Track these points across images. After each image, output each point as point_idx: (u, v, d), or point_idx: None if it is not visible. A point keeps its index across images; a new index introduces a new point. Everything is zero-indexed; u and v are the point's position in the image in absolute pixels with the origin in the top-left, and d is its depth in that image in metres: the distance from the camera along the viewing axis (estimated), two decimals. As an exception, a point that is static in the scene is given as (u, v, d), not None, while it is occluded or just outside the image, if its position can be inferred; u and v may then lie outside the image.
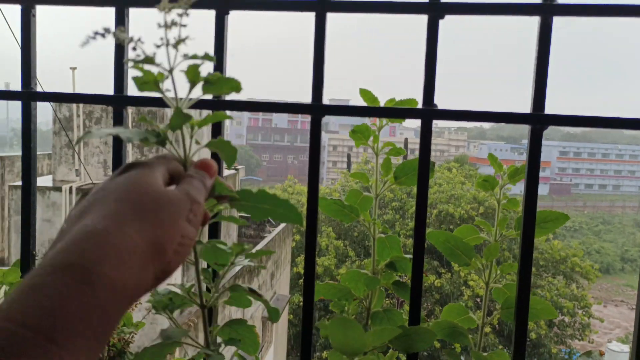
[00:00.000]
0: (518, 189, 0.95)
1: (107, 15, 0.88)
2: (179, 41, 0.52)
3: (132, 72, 0.54)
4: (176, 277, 5.38)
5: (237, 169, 8.52)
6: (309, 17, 0.86)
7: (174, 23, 0.52)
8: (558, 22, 0.85)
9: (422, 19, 0.85)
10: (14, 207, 6.06)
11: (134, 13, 0.88)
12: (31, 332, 0.33)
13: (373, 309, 0.94)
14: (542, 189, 56.64)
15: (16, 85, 0.91)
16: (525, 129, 0.86)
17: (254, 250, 0.73)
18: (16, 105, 0.95)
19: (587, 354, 1.02)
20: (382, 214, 13.90)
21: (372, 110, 0.88)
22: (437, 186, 14.57)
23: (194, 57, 0.54)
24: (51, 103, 5.83)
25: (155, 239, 0.44)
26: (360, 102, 1.00)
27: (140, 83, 0.54)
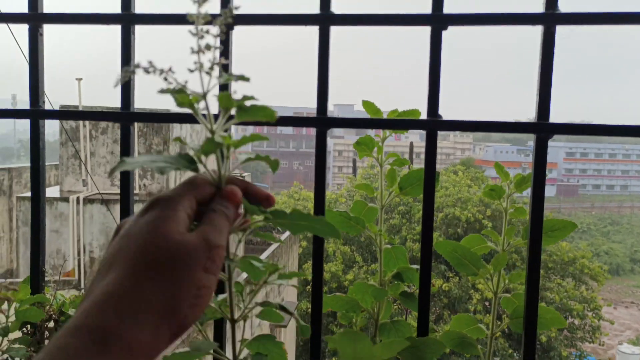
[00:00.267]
0: (526, 191, 0.95)
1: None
2: (213, 65, 0.53)
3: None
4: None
5: (243, 176, 8.54)
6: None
7: (208, 47, 0.52)
8: (562, 30, 0.85)
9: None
10: (22, 218, 6.10)
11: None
12: None
13: (381, 321, 0.94)
14: (550, 191, 56.34)
15: (23, 96, 0.92)
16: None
17: (282, 267, 0.73)
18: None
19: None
20: (389, 218, 13.87)
21: (376, 123, 0.88)
22: (443, 190, 14.53)
23: (228, 79, 0.54)
24: (58, 114, 5.88)
25: (170, 297, 0.45)
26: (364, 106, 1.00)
27: (178, 102, 0.54)
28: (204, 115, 0.55)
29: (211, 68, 0.53)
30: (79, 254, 6.02)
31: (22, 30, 0.92)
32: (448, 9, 0.85)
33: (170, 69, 0.52)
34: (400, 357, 0.84)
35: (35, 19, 0.88)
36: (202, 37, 0.53)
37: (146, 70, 0.51)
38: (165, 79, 0.52)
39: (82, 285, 5.91)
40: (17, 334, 0.91)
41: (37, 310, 0.88)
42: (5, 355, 0.91)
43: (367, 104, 0.99)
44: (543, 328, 0.93)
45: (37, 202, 0.92)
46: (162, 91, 0.52)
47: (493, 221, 13.64)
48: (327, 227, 0.61)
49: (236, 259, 0.65)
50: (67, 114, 0.91)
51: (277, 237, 0.67)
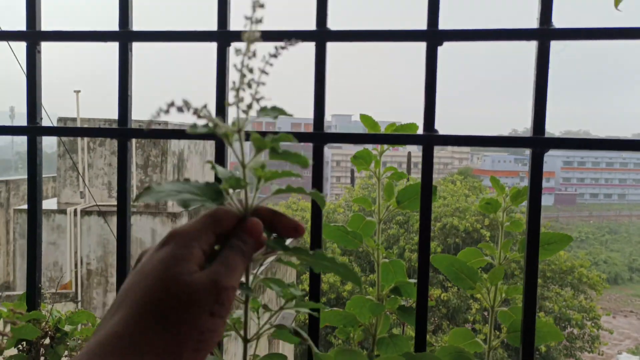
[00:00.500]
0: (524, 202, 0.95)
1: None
2: (250, 105, 0.53)
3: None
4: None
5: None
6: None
7: (249, 85, 0.53)
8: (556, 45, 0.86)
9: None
10: (19, 230, 6.07)
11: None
12: None
13: (379, 335, 0.94)
14: (547, 200, 56.38)
15: (21, 108, 0.92)
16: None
17: (297, 292, 0.73)
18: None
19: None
20: (387, 228, 13.86)
21: (373, 138, 0.89)
22: (441, 199, 14.53)
23: (265, 113, 0.54)
24: (56, 125, 5.88)
25: (172, 341, 0.45)
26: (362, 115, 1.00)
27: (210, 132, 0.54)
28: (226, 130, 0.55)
29: (250, 106, 0.53)
30: (76, 266, 5.99)
31: (20, 44, 0.92)
32: (443, 23, 0.86)
33: (205, 106, 0.52)
34: (398, 372, 0.83)
35: (33, 36, 0.89)
36: (250, 57, 0.53)
37: (180, 109, 0.51)
38: (199, 116, 0.52)
39: (79, 298, 5.88)
40: (12, 351, 0.91)
41: (33, 327, 0.87)
42: (1, 373, 0.90)
43: (364, 118, 1.00)
44: (540, 342, 0.92)
45: (34, 218, 0.92)
46: (197, 128, 0.52)
47: (492, 231, 13.63)
48: (349, 273, 0.62)
49: (256, 280, 0.65)
50: (64, 131, 0.91)
51: (299, 266, 0.67)
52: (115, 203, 0.90)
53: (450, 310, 12.76)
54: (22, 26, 0.91)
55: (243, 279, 0.60)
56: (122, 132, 0.88)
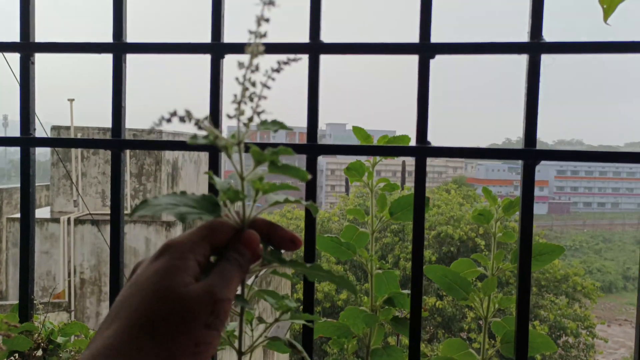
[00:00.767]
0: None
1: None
2: (251, 118, 0.53)
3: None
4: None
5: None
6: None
7: (251, 98, 0.53)
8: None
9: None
10: (12, 239, 6.03)
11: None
12: None
13: (372, 346, 0.94)
14: (541, 209, 56.56)
15: (14, 116, 0.92)
16: (522, 145, 0.87)
17: (292, 305, 0.73)
18: (15, 134, 0.95)
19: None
20: (382, 237, 13.85)
21: (366, 150, 0.89)
22: (435, 208, 14.55)
23: (266, 127, 0.55)
24: (50, 134, 5.87)
25: (166, 353, 0.45)
26: (359, 124, 1.01)
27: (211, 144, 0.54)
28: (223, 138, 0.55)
29: (250, 119, 0.53)
30: (69, 276, 5.95)
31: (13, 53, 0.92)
32: (435, 36, 0.87)
33: (206, 118, 0.52)
34: (392, 384, 0.83)
35: (27, 48, 0.89)
36: (253, 71, 0.53)
37: (182, 119, 0.52)
38: (200, 127, 0.52)
39: (73, 307, 5.83)
40: (4, 363, 0.90)
41: (25, 339, 0.87)
42: (-8, 385, 0.89)
43: (357, 130, 1.01)
44: (534, 352, 0.93)
45: (27, 229, 0.91)
46: (197, 139, 0.52)
47: (486, 239, 13.64)
48: (346, 283, 0.62)
49: (251, 292, 0.65)
50: (57, 142, 0.91)
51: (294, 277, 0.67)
52: (109, 212, 0.90)
53: (445, 319, 12.73)
54: (16, 36, 0.92)
55: (238, 291, 0.60)
56: (115, 143, 0.88)
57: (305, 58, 0.88)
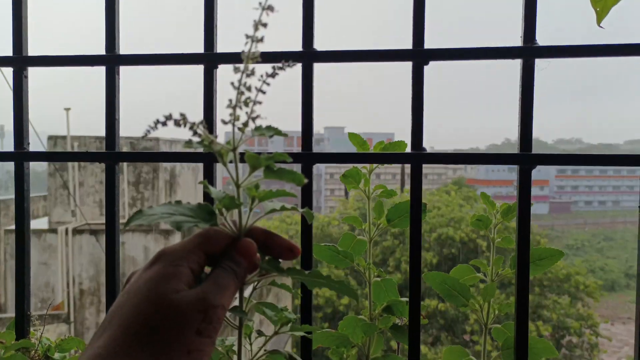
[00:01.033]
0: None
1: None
2: (246, 124, 0.53)
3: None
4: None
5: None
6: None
7: (246, 103, 0.53)
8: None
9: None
10: (10, 251, 6.02)
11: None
12: None
13: (372, 356, 0.93)
14: (542, 208, 56.55)
15: (11, 127, 0.91)
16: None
17: (291, 316, 0.72)
18: (10, 146, 0.95)
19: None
20: (382, 240, 13.84)
21: (361, 157, 0.89)
22: (436, 210, 14.54)
23: (261, 132, 0.54)
24: (46, 144, 5.86)
25: None
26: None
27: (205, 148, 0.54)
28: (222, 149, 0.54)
29: (245, 124, 0.53)
30: (68, 286, 5.94)
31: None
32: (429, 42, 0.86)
33: (202, 122, 0.52)
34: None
35: (20, 62, 0.89)
36: (249, 75, 0.53)
37: (177, 123, 0.51)
38: (195, 132, 0.52)
39: (72, 319, 5.81)
40: (1, 380, 0.89)
41: (22, 356, 0.86)
42: (-11, 403, 0.88)
43: (352, 136, 1.00)
44: (535, 358, 0.92)
45: (22, 244, 0.91)
46: (192, 144, 0.52)
47: (488, 240, 13.61)
48: (346, 289, 0.62)
49: (250, 305, 0.65)
50: (52, 156, 0.91)
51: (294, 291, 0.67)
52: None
53: (448, 322, 12.71)
54: (8, 49, 0.91)
55: (237, 303, 0.60)
56: (109, 156, 0.88)
57: (298, 66, 0.88)
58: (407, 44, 0.87)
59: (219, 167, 0.84)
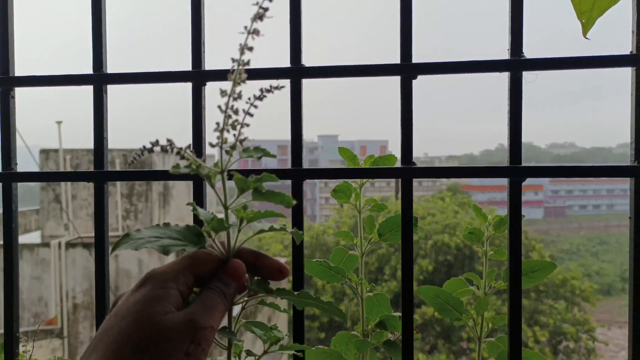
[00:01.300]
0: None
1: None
2: (234, 146, 0.53)
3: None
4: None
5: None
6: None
7: (234, 126, 0.53)
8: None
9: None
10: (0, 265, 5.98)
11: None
12: None
13: (366, 372, 0.92)
14: (537, 213, 56.68)
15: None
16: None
17: (280, 335, 0.72)
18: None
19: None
20: (377, 248, 13.82)
21: (352, 172, 0.88)
22: (430, 216, 14.55)
23: (249, 154, 0.54)
24: (38, 158, 5.83)
25: None
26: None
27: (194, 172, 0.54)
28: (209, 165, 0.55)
29: (233, 147, 0.53)
30: (61, 301, 5.89)
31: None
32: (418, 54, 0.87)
33: (189, 147, 0.52)
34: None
35: (6, 82, 0.88)
36: (235, 99, 0.53)
37: (164, 149, 0.52)
38: (183, 157, 0.52)
39: (66, 333, 5.76)
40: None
41: (10, 379, 0.85)
42: None
43: (343, 151, 1.00)
44: (529, 371, 0.91)
45: (10, 266, 0.90)
46: (179, 168, 0.52)
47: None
48: (334, 310, 0.62)
49: (239, 324, 0.64)
50: (40, 176, 0.90)
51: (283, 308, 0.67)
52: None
53: (445, 329, 12.68)
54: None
55: (225, 323, 0.59)
56: (98, 175, 0.87)
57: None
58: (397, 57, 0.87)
59: (205, 187, 0.84)
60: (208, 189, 0.91)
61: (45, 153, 6.02)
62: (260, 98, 0.56)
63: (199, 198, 0.87)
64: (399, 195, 0.88)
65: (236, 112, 0.54)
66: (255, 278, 0.59)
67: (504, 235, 0.96)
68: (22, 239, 6.32)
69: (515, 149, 0.85)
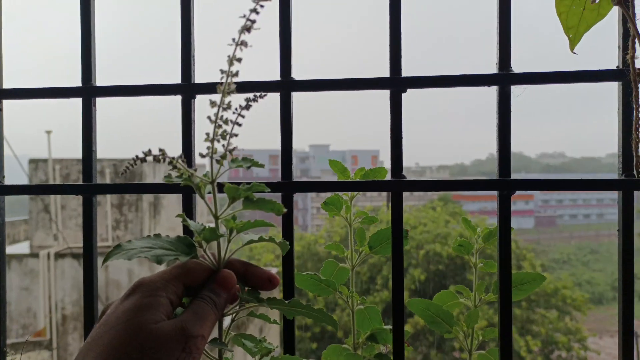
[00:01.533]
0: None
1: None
2: (224, 156, 0.53)
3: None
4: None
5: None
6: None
7: (223, 136, 0.53)
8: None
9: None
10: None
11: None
12: None
13: (356, 386, 0.92)
14: (528, 223, 56.93)
15: None
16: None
17: (271, 347, 0.72)
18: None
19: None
20: (368, 257, 13.77)
21: (342, 185, 0.89)
22: (422, 226, 14.56)
23: (238, 164, 0.55)
24: (27, 168, 5.79)
25: None
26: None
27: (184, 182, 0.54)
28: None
29: (223, 157, 0.53)
30: (50, 312, 5.82)
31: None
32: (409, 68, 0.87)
33: (181, 157, 0.52)
34: None
35: (-7, 94, 0.88)
36: (225, 109, 0.54)
37: (156, 159, 0.52)
38: (175, 167, 0.52)
39: (55, 345, 5.69)
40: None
41: (-5, 396, 0.83)
42: None
43: (333, 163, 1.00)
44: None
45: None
46: (171, 178, 0.53)
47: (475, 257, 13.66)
48: (325, 317, 0.62)
49: (229, 337, 0.64)
50: (27, 189, 0.89)
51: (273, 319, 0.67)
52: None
53: (437, 338, 12.66)
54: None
55: (216, 334, 0.59)
56: (86, 188, 0.87)
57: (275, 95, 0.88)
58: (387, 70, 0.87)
59: (195, 199, 0.84)
60: (198, 200, 0.91)
61: (34, 163, 5.97)
62: (247, 107, 0.56)
63: (188, 209, 0.86)
64: (388, 207, 0.88)
65: (226, 122, 0.54)
66: (246, 288, 0.59)
67: (495, 245, 0.97)
68: (11, 249, 6.25)
69: (504, 162, 0.85)
